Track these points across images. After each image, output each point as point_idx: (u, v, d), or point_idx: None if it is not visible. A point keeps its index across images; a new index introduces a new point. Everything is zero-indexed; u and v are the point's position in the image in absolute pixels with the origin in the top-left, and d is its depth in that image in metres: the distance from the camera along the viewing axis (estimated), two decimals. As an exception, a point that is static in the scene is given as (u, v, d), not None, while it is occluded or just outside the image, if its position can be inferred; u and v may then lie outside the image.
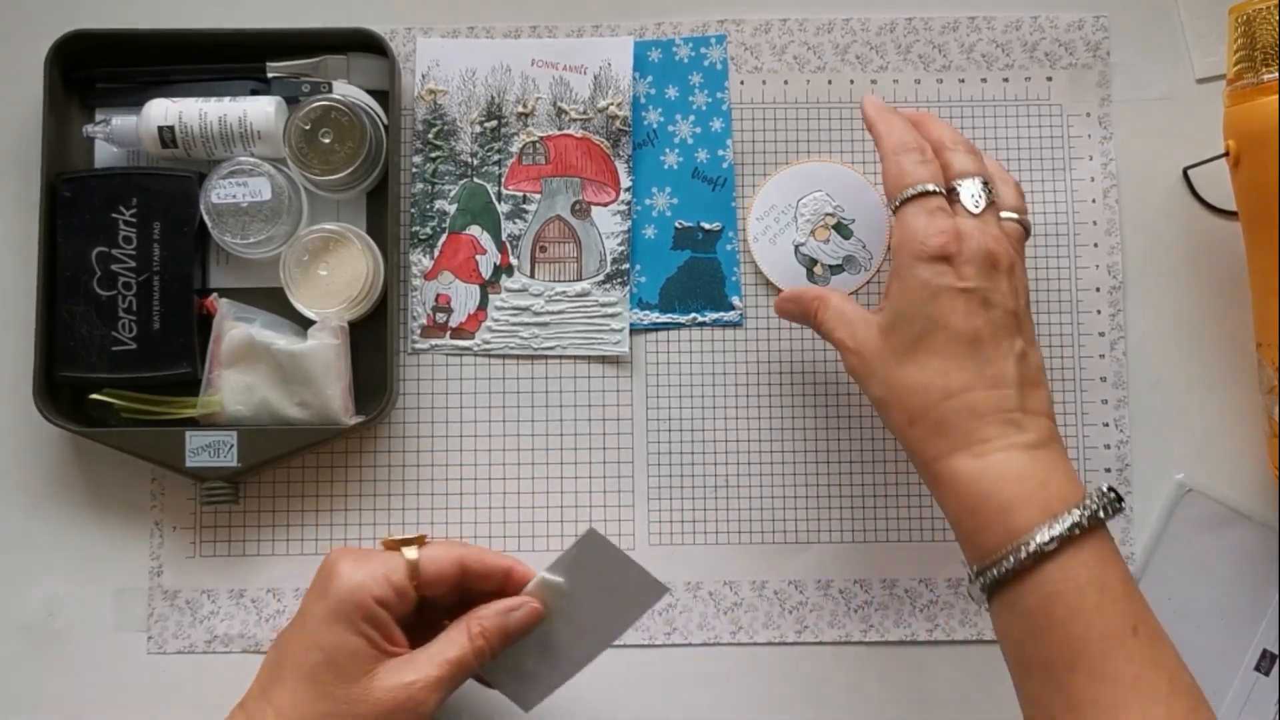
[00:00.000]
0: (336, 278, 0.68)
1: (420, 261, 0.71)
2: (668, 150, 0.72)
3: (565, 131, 0.72)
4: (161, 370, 0.68)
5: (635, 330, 0.71)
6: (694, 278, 0.71)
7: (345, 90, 0.70)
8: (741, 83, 0.73)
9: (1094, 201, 0.72)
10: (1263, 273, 0.65)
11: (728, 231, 0.72)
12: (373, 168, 0.69)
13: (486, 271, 0.71)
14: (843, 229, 0.64)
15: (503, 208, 0.72)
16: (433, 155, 0.72)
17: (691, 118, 0.72)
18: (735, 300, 0.71)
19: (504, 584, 0.58)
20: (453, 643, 0.54)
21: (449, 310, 0.71)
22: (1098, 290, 0.72)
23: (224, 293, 0.69)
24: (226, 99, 0.68)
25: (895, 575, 0.70)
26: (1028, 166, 0.72)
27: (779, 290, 0.66)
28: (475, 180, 0.72)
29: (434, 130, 0.72)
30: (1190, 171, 0.72)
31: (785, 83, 0.73)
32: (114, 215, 0.68)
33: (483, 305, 0.71)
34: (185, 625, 0.69)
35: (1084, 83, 0.73)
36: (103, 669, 0.69)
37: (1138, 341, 0.72)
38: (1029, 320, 0.56)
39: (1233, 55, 0.65)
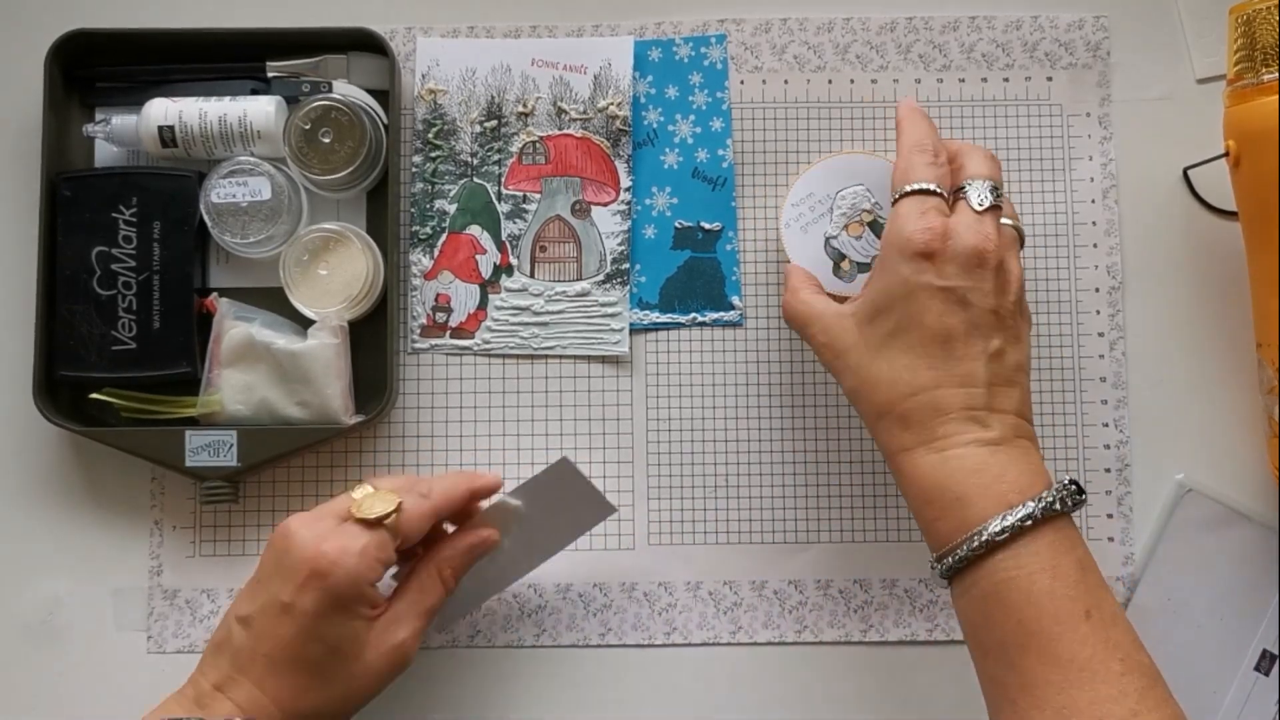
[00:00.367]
0: (336, 277, 0.68)
1: (420, 261, 0.71)
2: (668, 150, 0.72)
3: (565, 131, 0.72)
4: (161, 369, 0.68)
5: (635, 330, 0.71)
6: (694, 278, 0.71)
7: (345, 90, 0.70)
8: (741, 82, 0.73)
9: (1094, 201, 0.72)
10: (1263, 273, 0.65)
11: (728, 231, 0.72)
12: (373, 167, 0.69)
13: (486, 271, 0.71)
14: (877, 227, 0.63)
15: (503, 207, 0.72)
16: (433, 155, 0.72)
17: (691, 117, 0.72)
18: (735, 300, 0.71)
19: (469, 509, 0.62)
20: (428, 591, 0.57)
21: (449, 310, 0.71)
22: (1097, 290, 0.72)
23: (224, 292, 0.69)
24: (226, 98, 0.68)
25: (895, 575, 0.70)
26: (1028, 166, 0.72)
27: (780, 290, 0.66)
28: (475, 180, 0.72)
29: (434, 130, 0.72)
30: (1190, 171, 0.72)
31: (785, 82, 0.73)
32: (114, 214, 0.68)
33: (483, 305, 0.71)
34: (185, 624, 0.69)
35: (1084, 83, 0.73)
36: (103, 668, 0.69)
37: (1138, 341, 0.72)
38: (1018, 318, 0.56)
39: (1233, 55, 0.65)
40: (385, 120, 0.70)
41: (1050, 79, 0.73)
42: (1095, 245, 0.72)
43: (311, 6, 0.73)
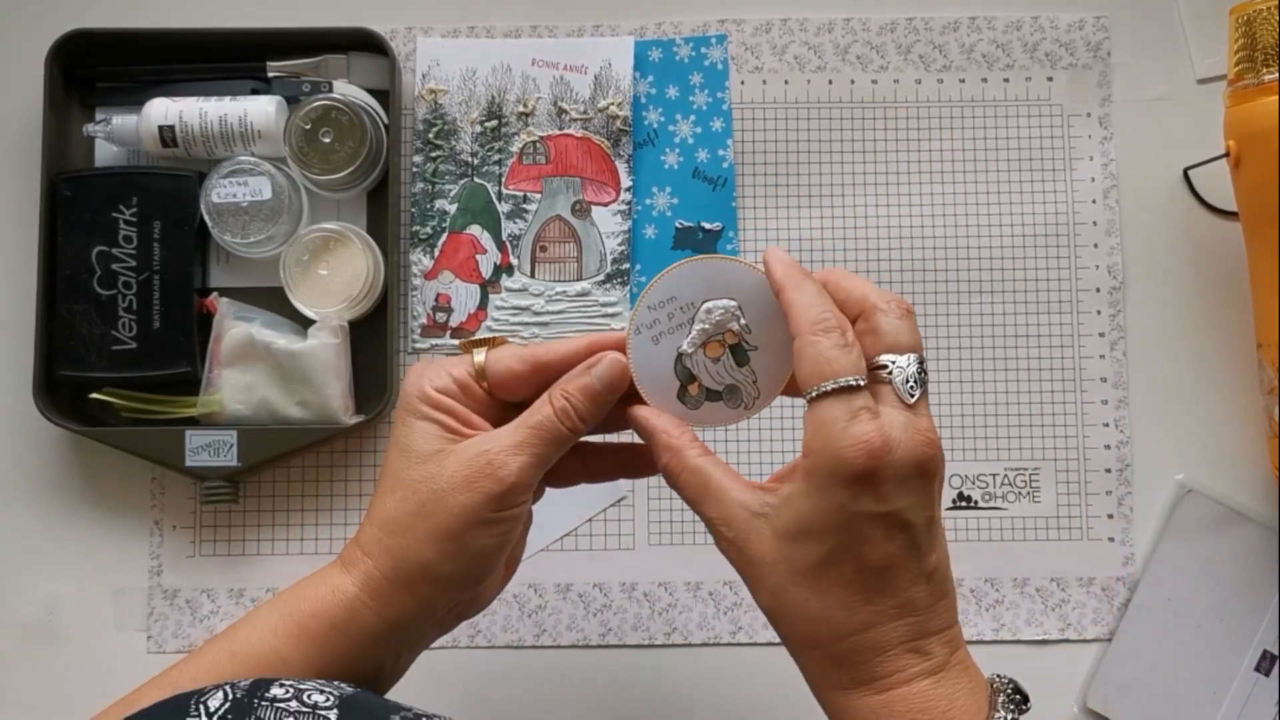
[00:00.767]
0: (336, 277, 0.68)
1: (420, 261, 0.71)
2: (668, 150, 0.72)
3: (565, 131, 0.72)
4: (161, 369, 0.68)
5: (635, 330, 0.71)
6: (694, 277, 0.71)
7: (345, 90, 0.70)
8: (742, 83, 0.73)
9: (1094, 202, 0.72)
10: (1263, 273, 0.65)
11: (728, 231, 0.72)
12: (373, 167, 0.69)
13: (487, 271, 0.71)
14: (739, 353, 0.51)
15: (503, 207, 0.72)
16: (433, 155, 0.72)
17: (692, 117, 0.72)
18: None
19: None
20: (534, 410, 0.49)
21: (449, 310, 0.71)
22: (1098, 290, 0.72)
23: (224, 292, 0.69)
24: (227, 98, 0.68)
25: (895, 575, 0.70)
26: (1028, 167, 0.72)
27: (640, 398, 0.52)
28: (475, 180, 0.72)
29: (434, 130, 0.72)
30: (1190, 172, 0.72)
31: (786, 83, 0.73)
32: (114, 214, 0.68)
33: (483, 305, 0.71)
34: (185, 624, 0.69)
35: (1084, 83, 0.73)
36: (103, 668, 0.69)
37: (1138, 341, 0.72)
38: (939, 515, 0.49)
39: (1233, 56, 0.65)
40: (385, 120, 0.70)
41: (1051, 79, 0.73)
42: (1096, 245, 0.72)
43: (312, 6, 0.73)
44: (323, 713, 0.40)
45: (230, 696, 0.40)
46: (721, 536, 0.47)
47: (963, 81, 0.73)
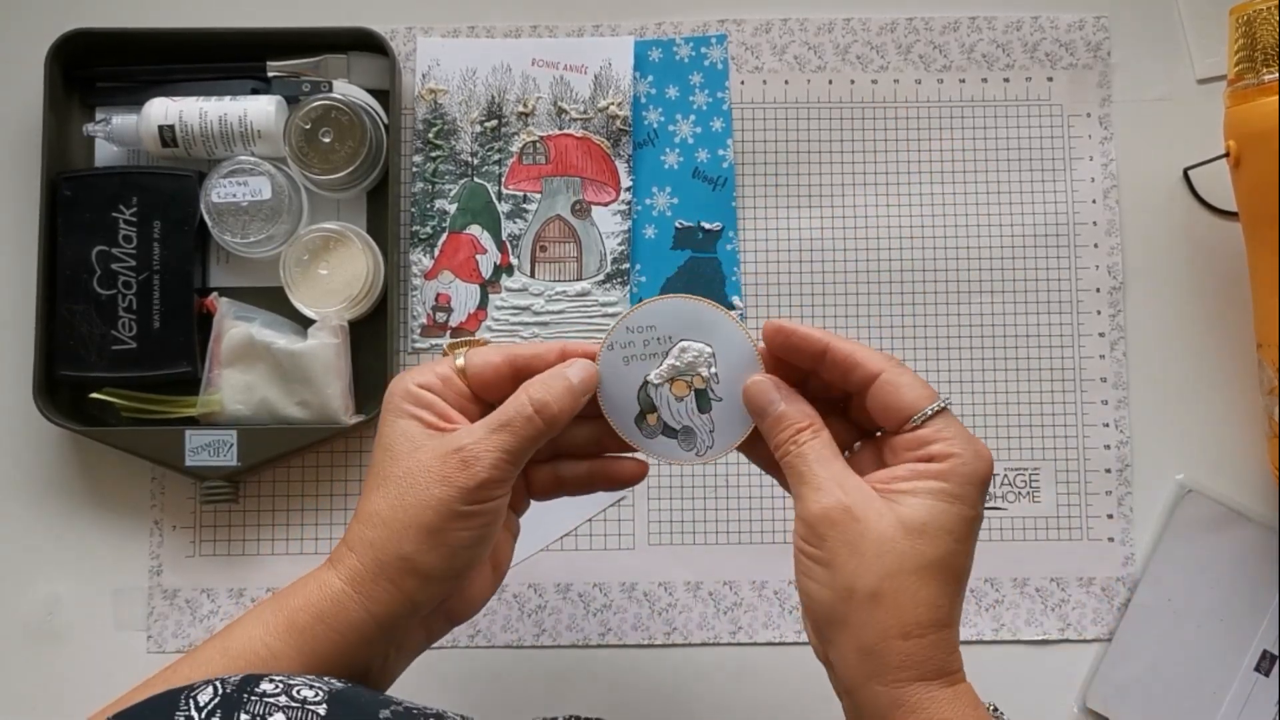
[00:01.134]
0: (336, 277, 0.68)
1: (420, 261, 0.71)
2: (668, 150, 0.72)
3: (565, 131, 0.72)
4: (161, 369, 0.68)
5: (635, 330, 0.71)
6: (694, 277, 0.71)
7: (345, 89, 0.70)
8: (742, 83, 0.73)
9: (1094, 202, 0.72)
10: (1263, 273, 0.65)
11: (728, 231, 0.72)
12: (373, 167, 0.69)
13: (487, 271, 0.71)
14: (703, 400, 0.52)
15: (503, 207, 0.72)
16: (433, 155, 0.72)
17: (692, 117, 0.72)
18: (735, 300, 0.71)
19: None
20: (507, 406, 0.50)
21: (449, 310, 0.71)
22: (1098, 290, 0.72)
23: (224, 292, 0.69)
24: (227, 98, 0.68)
25: (895, 575, 0.70)
26: (1028, 166, 0.72)
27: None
28: (475, 180, 0.72)
29: (434, 130, 0.72)
30: (1190, 172, 0.72)
31: (786, 83, 0.73)
32: (114, 214, 0.68)
33: (483, 305, 0.71)
34: (185, 624, 0.69)
35: (1084, 83, 0.73)
36: (103, 668, 0.69)
37: (1138, 341, 0.72)
38: None
39: (1233, 56, 0.65)
40: (385, 120, 0.70)
41: (1051, 79, 0.73)
42: (1096, 245, 0.72)
43: (312, 6, 0.73)
44: (312, 707, 0.41)
45: (220, 691, 0.41)
46: (833, 501, 0.47)
47: (963, 81, 0.73)
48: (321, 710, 0.41)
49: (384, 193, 0.70)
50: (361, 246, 0.68)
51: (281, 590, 0.50)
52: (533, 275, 0.71)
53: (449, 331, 0.71)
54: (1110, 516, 0.70)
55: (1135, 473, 0.71)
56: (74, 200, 0.68)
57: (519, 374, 0.51)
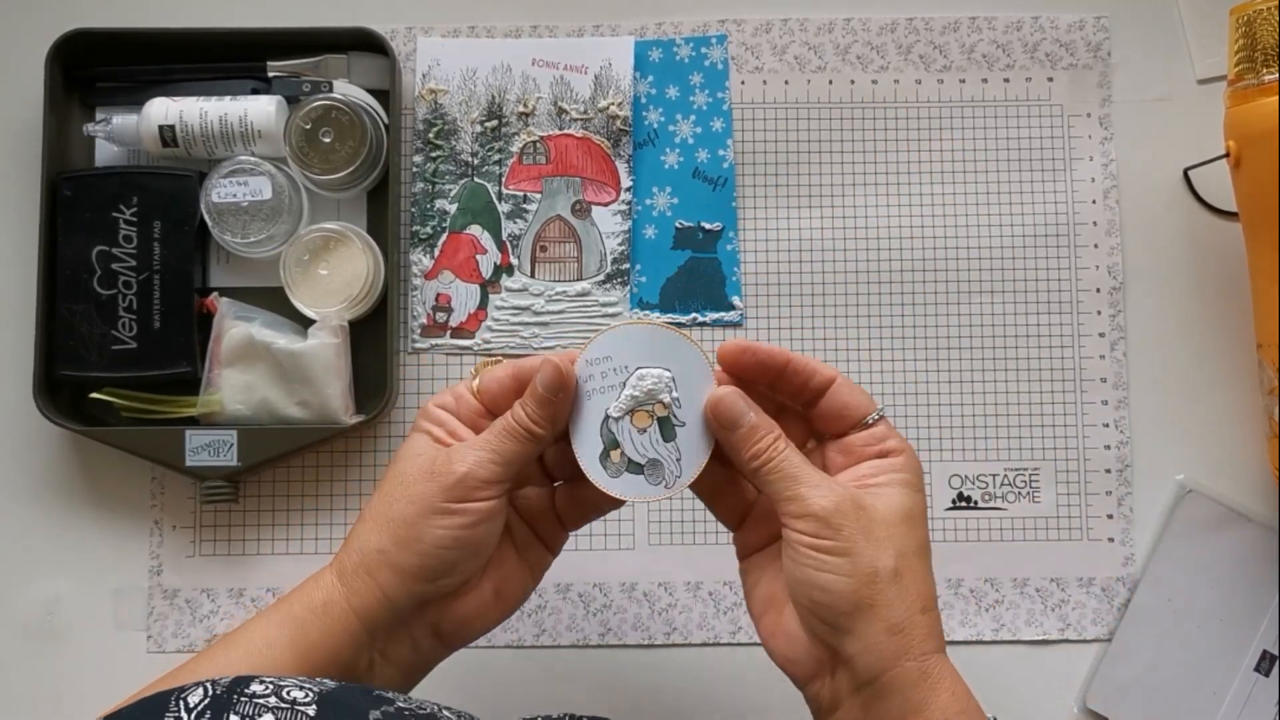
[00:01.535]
0: (337, 277, 0.68)
1: (420, 261, 0.71)
2: (668, 150, 0.72)
3: (566, 131, 0.72)
4: (162, 369, 0.68)
5: (635, 330, 0.71)
6: (694, 277, 0.71)
7: (346, 89, 0.70)
8: (742, 83, 0.73)
9: (1094, 202, 0.72)
10: (1263, 273, 0.65)
11: (728, 231, 0.72)
12: (373, 167, 0.69)
13: (487, 271, 0.71)
14: (667, 428, 0.51)
15: (503, 207, 0.72)
16: (433, 155, 0.72)
17: (692, 117, 0.72)
18: (736, 300, 0.71)
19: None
20: (496, 426, 0.51)
21: (449, 310, 0.71)
22: (1098, 290, 0.72)
23: (224, 292, 0.69)
24: (227, 98, 0.68)
25: (895, 575, 0.70)
26: (1028, 167, 0.72)
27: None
28: (476, 180, 0.72)
29: (434, 130, 0.72)
30: (1191, 172, 0.72)
31: (786, 83, 0.73)
32: (114, 214, 0.68)
33: (483, 305, 0.71)
34: (185, 624, 0.69)
35: (1085, 83, 0.73)
36: (102, 668, 0.69)
37: (1138, 341, 0.72)
38: None
39: (1233, 56, 0.65)
40: (386, 120, 0.70)
41: (1051, 79, 0.73)
42: (1096, 245, 0.72)
43: (312, 6, 0.73)
44: (301, 708, 0.41)
45: (210, 693, 0.41)
46: (841, 493, 0.49)
47: (963, 82, 0.73)
48: (311, 711, 0.41)
49: (384, 193, 0.70)
50: (361, 246, 0.68)
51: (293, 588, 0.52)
52: (533, 275, 0.71)
53: (449, 331, 0.71)
54: (1110, 517, 0.70)
55: (1135, 473, 0.71)
56: (74, 200, 0.68)
57: (522, 387, 0.52)
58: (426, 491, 0.49)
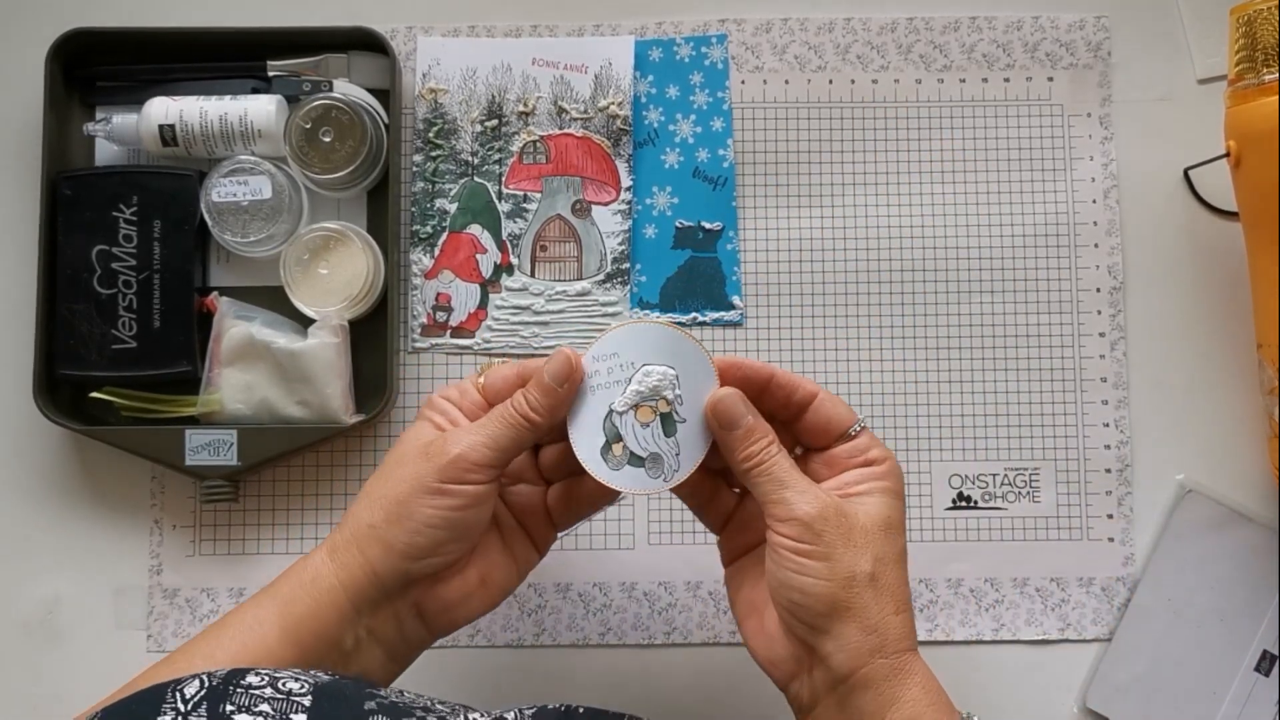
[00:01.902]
0: (337, 276, 0.68)
1: (420, 260, 0.71)
2: (668, 149, 0.72)
3: (566, 131, 0.72)
4: (162, 368, 0.68)
5: (635, 330, 0.71)
6: (694, 277, 0.71)
7: (346, 89, 0.70)
8: (742, 82, 0.73)
9: (1094, 202, 0.72)
10: (1263, 273, 0.65)
11: (728, 231, 0.72)
12: (373, 166, 0.69)
13: (487, 270, 0.71)
14: (669, 423, 0.53)
15: (503, 207, 0.72)
16: (433, 154, 0.72)
17: (692, 117, 0.72)
18: (736, 300, 0.71)
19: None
20: (493, 414, 0.53)
21: (449, 309, 0.71)
22: (1098, 290, 0.72)
23: (224, 291, 0.69)
24: (227, 97, 0.68)
25: (895, 575, 0.70)
26: (1028, 166, 0.72)
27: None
28: (476, 179, 0.72)
29: (435, 129, 0.72)
30: (1191, 172, 0.72)
31: (786, 82, 0.73)
32: (114, 213, 0.68)
33: (483, 304, 0.71)
34: (185, 623, 0.69)
35: (1085, 83, 0.73)
36: (102, 667, 0.69)
37: (1138, 341, 0.72)
38: None
39: (1234, 56, 0.65)
40: (386, 119, 0.70)
41: (1051, 79, 0.73)
42: (1096, 245, 0.72)
43: (312, 6, 0.73)
44: (297, 699, 0.42)
45: (206, 685, 0.42)
46: (826, 500, 0.51)
47: (963, 81, 0.73)
48: (306, 701, 0.42)
49: (384, 192, 0.70)
50: (362, 246, 0.68)
51: None
52: (533, 275, 0.71)
53: (449, 331, 0.71)
54: (1110, 516, 0.70)
55: (1135, 473, 0.71)
56: (74, 199, 0.68)
57: (526, 383, 0.54)
58: (420, 471, 0.51)
